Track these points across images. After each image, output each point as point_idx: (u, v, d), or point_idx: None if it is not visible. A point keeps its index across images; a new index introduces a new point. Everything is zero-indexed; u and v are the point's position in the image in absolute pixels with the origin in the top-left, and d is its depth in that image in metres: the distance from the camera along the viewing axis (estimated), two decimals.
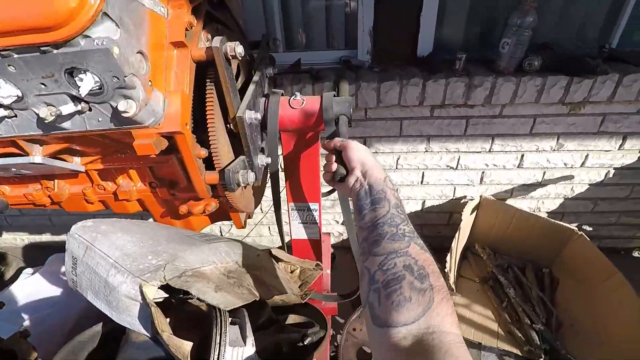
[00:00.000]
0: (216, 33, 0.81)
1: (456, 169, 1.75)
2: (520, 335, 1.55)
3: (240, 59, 0.74)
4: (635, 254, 2.00)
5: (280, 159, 1.11)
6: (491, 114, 1.57)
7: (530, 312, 1.59)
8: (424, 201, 1.91)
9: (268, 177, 1.09)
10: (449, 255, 1.58)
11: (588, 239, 1.63)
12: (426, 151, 1.70)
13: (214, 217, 1.07)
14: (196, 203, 0.91)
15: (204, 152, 0.77)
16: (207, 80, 0.75)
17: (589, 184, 1.77)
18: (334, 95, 0.96)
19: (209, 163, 0.81)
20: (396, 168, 1.77)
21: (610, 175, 1.73)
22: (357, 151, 0.67)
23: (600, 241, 1.98)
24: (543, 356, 1.47)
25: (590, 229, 1.83)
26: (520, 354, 1.51)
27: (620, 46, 1.55)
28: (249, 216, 1.16)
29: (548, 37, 1.53)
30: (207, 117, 0.75)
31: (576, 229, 1.67)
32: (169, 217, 1.02)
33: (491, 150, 1.67)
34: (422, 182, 1.82)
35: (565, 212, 1.89)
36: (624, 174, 1.72)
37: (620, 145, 1.63)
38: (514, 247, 1.86)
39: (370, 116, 1.59)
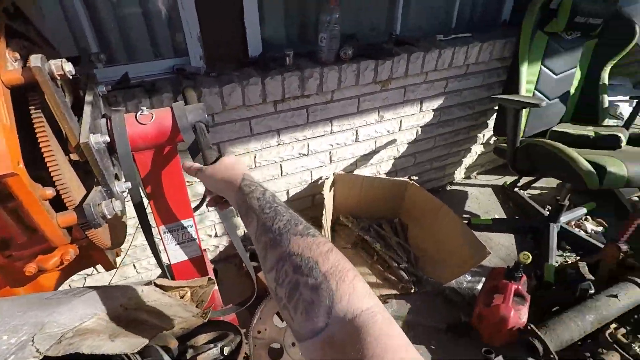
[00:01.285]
0: (24, 50, 0.68)
1: (308, 154, 1.92)
2: (393, 277, 1.85)
3: (70, 78, 0.64)
4: (448, 187, 2.61)
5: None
6: (325, 100, 1.77)
7: (395, 257, 1.90)
8: (288, 191, 2.02)
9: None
10: (322, 232, 1.73)
11: (418, 185, 2.05)
12: (278, 144, 1.80)
13: (73, 268, 0.90)
14: (48, 256, 0.75)
15: (50, 192, 0.65)
16: (30, 107, 0.63)
17: (407, 143, 2.20)
18: (185, 104, 0.94)
19: (55, 204, 0.69)
20: (255, 166, 1.81)
21: (419, 133, 2.19)
22: (208, 179, 0.67)
23: (425, 185, 2.49)
24: (413, 286, 1.79)
25: (417, 177, 2.29)
26: (397, 292, 1.80)
27: (402, 32, 1.96)
28: (118, 254, 1.02)
29: (353, 30, 1.81)
30: (43, 150, 0.63)
31: (408, 180, 2.07)
32: (7, 286, 0.81)
33: (332, 131, 1.89)
34: (281, 174, 1.92)
35: (397, 170, 2.31)
36: (427, 130, 2.20)
37: (420, 109, 2.08)
38: (369, 209, 2.16)
39: (218, 121, 1.58)
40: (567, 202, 2.02)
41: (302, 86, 1.63)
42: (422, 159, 2.35)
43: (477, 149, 2.53)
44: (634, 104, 2.00)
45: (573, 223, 2.24)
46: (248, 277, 1.89)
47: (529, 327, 1.42)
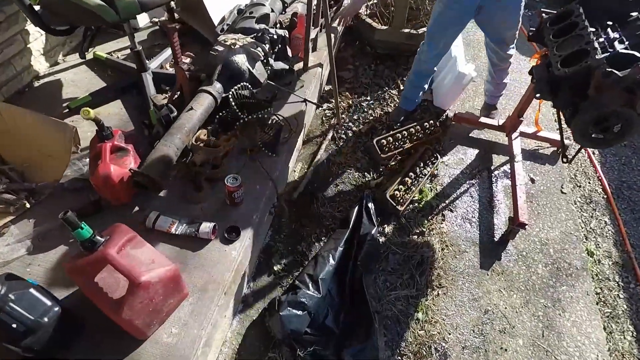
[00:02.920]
0: None
1: None
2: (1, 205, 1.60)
3: None
4: (36, 84, 2.26)
5: None
6: None
7: None
8: None
9: None
10: None
11: None
12: None
13: None
14: None
15: None
16: None
17: None
18: None
19: None
20: None
21: None
22: None
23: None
24: (27, 201, 1.63)
25: None
26: (14, 216, 1.60)
27: None
28: None
29: None
30: None
31: None
32: None
33: None
34: None
35: None
36: None
37: None
38: None
39: None
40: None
41: None
42: None
43: None
44: None
45: (168, 64, 2.44)
46: None
47: (131, 171, 1.58)
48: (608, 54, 1.42)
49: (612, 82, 1.37)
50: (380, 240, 2.02)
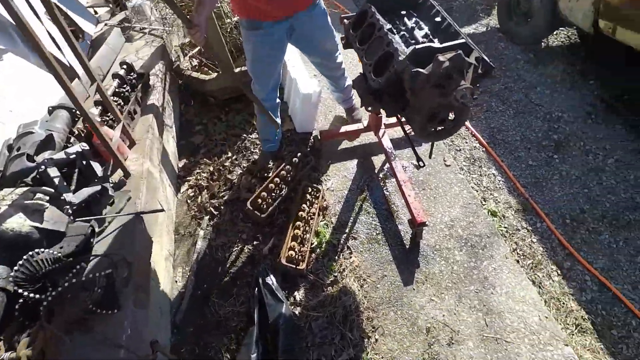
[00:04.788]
0: None
1: None
2: None
3: None
4: None
5: None
6: None
7: None
8: None
9: None
10: None
11: None
12: None
13: None
14: None
15: None
16: None
17: None
18: None
19: None
20: None
21: None
22: None
23: None
24: None
25: None
26: None
27: None
28: None
29: None
30: None
31: None
32: None
33: None
34: None
35: None
36: None
37: None
38: None
39: None
40: None
41: None
42: None
43: None
44: None
45: None
46: None
47: None
48: (408, 54, 1.33)
49: (421, 83, 1.27)
50: (296, 311, 1.80)
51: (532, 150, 2.47)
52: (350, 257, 1.98)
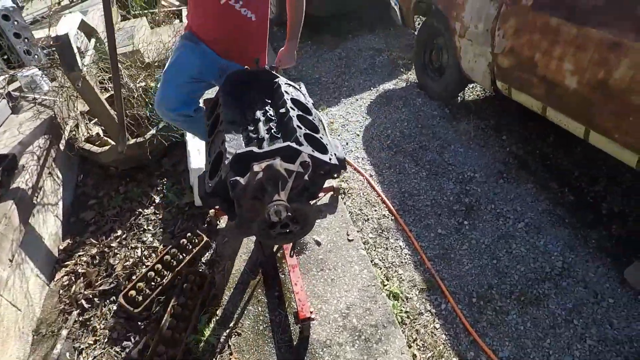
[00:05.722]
0: None
1: None
2: None
3: None
4: None
5: None
6: None
7: None
8: None
9: None
10: None
11: None
12: None
13: None
14: None
15: None
16: None
17: None
18: None
19: None
20: None
21: None
22: None
23: None
24: None
25: None
26: None
27: None
28: None
29: None
30: None
31: None
32: None
33: None
34: None
35: None
36: None
37: None
38: None
39: None
40: None
41: None
42: None
43: None
44: None
45: None
46: None
47: None
48: (230, 159, 1.17)
49: (239, 193, 1.12)
50: None
51: (442, 216, 2.35)
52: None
